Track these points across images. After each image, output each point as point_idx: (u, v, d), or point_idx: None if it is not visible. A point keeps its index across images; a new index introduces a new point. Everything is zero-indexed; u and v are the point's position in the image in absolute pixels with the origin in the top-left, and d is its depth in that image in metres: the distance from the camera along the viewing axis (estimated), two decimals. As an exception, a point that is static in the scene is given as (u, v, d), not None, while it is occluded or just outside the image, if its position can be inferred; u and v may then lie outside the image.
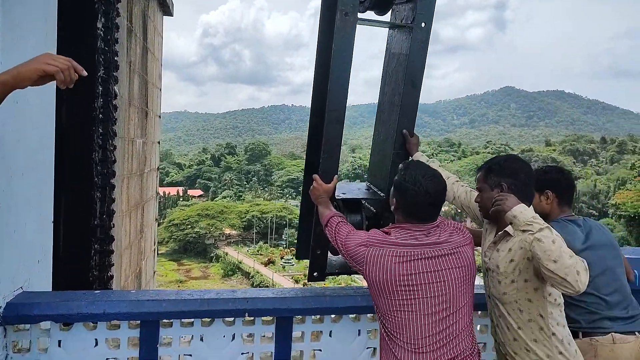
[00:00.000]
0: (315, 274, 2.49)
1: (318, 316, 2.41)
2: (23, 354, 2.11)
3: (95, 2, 3.61)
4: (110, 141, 3.82)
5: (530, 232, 1.68)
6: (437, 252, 1.80)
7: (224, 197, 76.87)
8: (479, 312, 2.50)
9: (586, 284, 1.62)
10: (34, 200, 2.47)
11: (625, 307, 2.14)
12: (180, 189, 76.44)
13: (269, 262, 47.33)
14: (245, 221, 57.50)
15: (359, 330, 2.42)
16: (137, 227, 5.45)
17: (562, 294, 1.84)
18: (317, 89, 2.52)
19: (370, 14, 2.52)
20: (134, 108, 5.53)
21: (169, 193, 68.86)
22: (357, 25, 2.26)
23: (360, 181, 3.03)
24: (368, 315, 2.41)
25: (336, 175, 2.30)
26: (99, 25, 3.71)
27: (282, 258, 47.98)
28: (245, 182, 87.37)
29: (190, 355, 2.25)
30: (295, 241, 2.93)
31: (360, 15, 2.31)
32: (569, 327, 1.96)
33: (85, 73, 1.45)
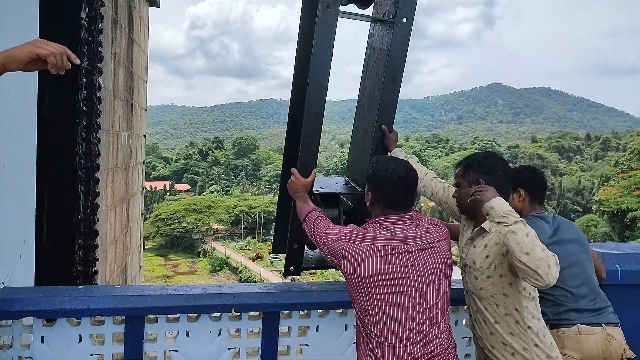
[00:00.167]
0: (291, 268, 2.49)
1: (305, 311, 2.41)
2: (5, 349, 2.08)
3: (79, -9, 3.53)
4: (94, 134, 3.75)
5: (505, 224, 1.73)
6: (413, 247, 1.82)
7: (212, 192, 76.34)
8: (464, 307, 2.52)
9: (556, 277, 1.67)
10: (16, 194, 2.42)
11: (592, 300, 2.20)
12: (167, 183, 75.80)
13: (257, 258, 47.26)
14: (233, 216, 57.27)
15: (346, 325, 2.43)
16: (123, 221, 5.38)
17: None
18: (297, 81, 2.50)
19: (352, 7, 2.50)
20: (119, 100, 5.45)
21: (156, 187, 68.19)
22: (340, 18, 2.24)
23: (339, 176, 3.03)
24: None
25: (315, 170, 2.30)
26: (83, 15, 3.63)
27: (270, 253, 47.85)
28: (233, 177, 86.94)
29: (176, 350, 2.23)
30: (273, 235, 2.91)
31: (342, 8, 2.29)
32: None
33: (78, 61, 1.42)
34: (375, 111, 2.50)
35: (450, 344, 1.84)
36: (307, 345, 2.41)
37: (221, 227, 58.01)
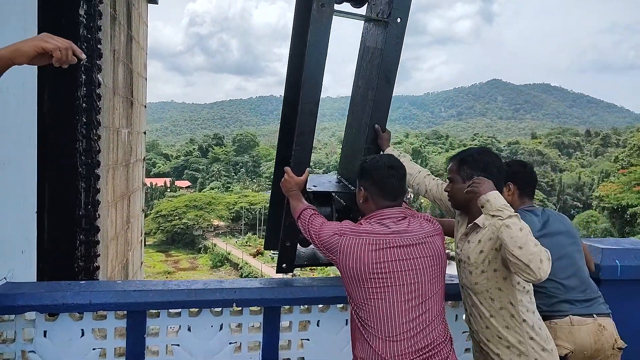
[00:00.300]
0: (284, 265, 2.50)
1: (306, 306, 2.42)
2: (8, 344, 2.09)
3: (77, -12, 3.53)
4: (94, 131, 3.76)
5: (499, 217, 1.74)
6: (407, 241, 1.84)
7: (212, 189, 76.34)
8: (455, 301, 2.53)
9: (548, 272, 1.68)
10: (17, 191, 2.43)
11: (583, 291, 2.23)
12: (168, 180, 75.72)
13: (258, 254, 47.25)
14: (233, 212, 57.29)
15: (346, 320, 2.44)
16: (124, 217, 5.39)
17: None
18: (290, 79, 2.49)
19: (346, 6, 2.50)
20: (119, 97, 5.45)
21: (156, 184, 68.16)
22: (335, 17, 2.24)
23: (328, 172, 3.03)
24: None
25: (308, 168, 2.31)
26: (81, 12, 3.63)
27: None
28: (233, 174, 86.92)
29: (178, 345, 2.25)
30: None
31: (336, 6, 2.29)
32: None
33: (84, 56, 1.44)
34: (368, 110, 2.51)
35: (446, 338, 1.86)
36: (308, 339, 2.42)
37: (222, 223, 58.03)
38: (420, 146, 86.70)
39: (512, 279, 1.92)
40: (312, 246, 2.67)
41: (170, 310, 2.23)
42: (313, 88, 2.25)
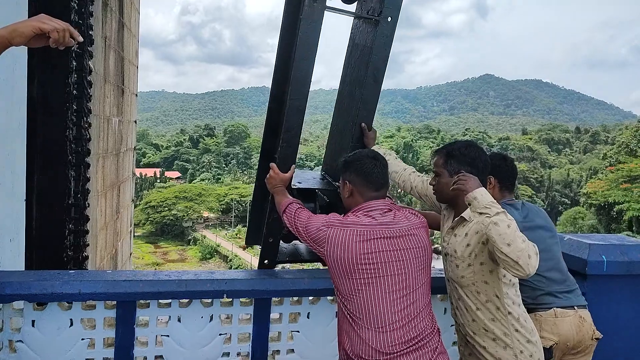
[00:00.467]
0: (265, 261, 2.50)
1: (296, 298, 2.43)
2: (-5, 333, 2.07)
3: (69, -27, 3.46)
4: (84, 118, 3.71)
5: (487, 215, 1.75)
6: (393, 233, 1.85)
7: (202, 180, 75.99)
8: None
9: (536, 267, 1.70)
10: (5, 178, 2.40)
11: (564, 282, 2.30)
12: (158, 170, 75.13)
13: (248, 246, 47.17)
14: (223, 204, 57.10)
15: (336, 312, 2.45)
16: (113, 207, 5.35)
17: None
18: (278, 73, 2.47)
19: (337, 2, 2.45)
20: (110, 85, 5.37)
21: (146, 174, 67.60)
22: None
23: (319, 165, 3.02)
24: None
25: (294, 165, 2.30)
26: (73, -4, 3.56)
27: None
28: (224, 165, 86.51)
29: (168, 335, 2.25)
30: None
31: (327, 2, 2.25)
32: None
33: (81, 39, 1.45)
34: (355, 108, 2.49)
35: (434, 329, 1.88)
36: (298, 331, 2.43)
37: (212, 215, 57.85)
38: (412, 140, 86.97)
39: (499, 272, 1.94)
40: (293, 242, 2.68)
41: (160, 300, 2.22)
42: (302, 85, 2.22)
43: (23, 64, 2.99)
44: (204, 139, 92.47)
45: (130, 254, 6.86)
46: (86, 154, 3.60)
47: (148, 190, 61.20)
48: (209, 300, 2.29)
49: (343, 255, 1.80)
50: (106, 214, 4.87)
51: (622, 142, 46.33)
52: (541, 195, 66.22)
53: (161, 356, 2.25)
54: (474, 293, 1.98)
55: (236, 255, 44.14)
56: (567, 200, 65.58)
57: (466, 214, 1.96)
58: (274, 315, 2.41)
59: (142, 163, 78.64)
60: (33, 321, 2.09)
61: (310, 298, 2.44)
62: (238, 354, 2.36)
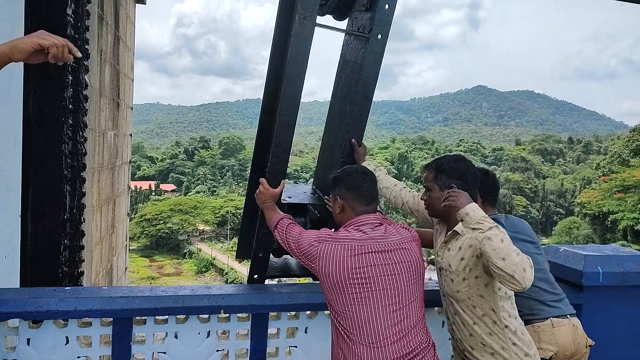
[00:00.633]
0: (255, 276, 2.49)
1: (294, 312, 2.42)
2: (-12, 352, 2.04)
3: (65, -13, 3.49)
4: (80, 133, 3.71)
5: (480, 230, 1.75)
6: (385, 247, 1.86)
7: (198, 192, 75.67)
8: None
9: (532, 280, 1.71)
10: (1, 193, 2.38)
11: (554, 293, 2.32)
12: (153, 183, 74.89)
13: (238, 260, 46.84)
14: (219, 217, 56.84)
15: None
16: (109, 222, 5.32)
17: None
18: (269, 88, 2.48)
19: (328, 19, 2.50)
20: (105, 99, 5.38)
21: (141, 187, 67.34)
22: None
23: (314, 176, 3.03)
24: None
25: (284, 180, 2.30)
26: (69, 11, 3.59)
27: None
28: (219, 177, 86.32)
29: (164, 352, 2.22)
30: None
31: (318, 19, 2.27)
32: None
33: (79, 54, 1.47)
34: (345, 125, 2.51)
35: (429, 344, 1.87)
36: (296, 346, 2.41)
37: (207, 227, 57.54)
38: (407, 151, 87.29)
39: (494, 286, 1.94)
40: (284, 257, 2.67)
41: (157, 317, 2.21)
42: (291, 100, 2.23)
43: (19, 78, 3.00)
44: (199, 151, 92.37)
45: (126, 269, 6.80)
46: (82, 168, 3.60)
47: (143, 204, 60.90)
48: (206, 316, 2.28)
49: (335, 270, 1.80)
50: (101, 228, 4.84)
51: (615, 152, 46.75)
52: (536, 205, 66.51)
53: (158, 373, 2.22)
54: (470, 307, 1.98)
55: (232, 269, 43.82)
56: (561, 210, 65.88)
57: (458, 227, 1.96)
58: (271, 330, 2.39)
59: (137, 176, 78.34)
60: (28, 339, 2.06)
61: (308, 313, 2.43)
62: (235, 370, 2.33)
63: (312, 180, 2.93)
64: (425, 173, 2.14)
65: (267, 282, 2.63)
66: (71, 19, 3.60)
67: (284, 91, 2.21)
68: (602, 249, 3.19)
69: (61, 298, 2.07)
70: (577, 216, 47.34)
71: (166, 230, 51.54)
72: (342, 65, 2.68)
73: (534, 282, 2.22)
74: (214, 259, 47.82)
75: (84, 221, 3.52)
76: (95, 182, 4.63)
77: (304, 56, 2.20)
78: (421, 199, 2.19)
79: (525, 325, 2.14)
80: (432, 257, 2.32)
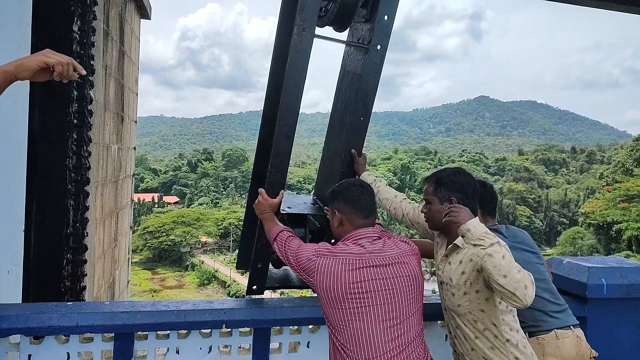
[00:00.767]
0: (254, 287, 2.47)
1: (296, 327, 2.41)
2: (-10, 369, 2.04)
3: (71, 5, 3.55)
4: (84, 147, 3.74)
5: (482, 247, 1.73)
6: (383, 261, 1.85)
7: (201, 204, 75.79)
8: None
9: (533, 297, 1.69)
10: (4, 208, 2.40)
11: (557, 304, 2.31)
12: (156, 195, 75.06)
13: (239, 271, 46.62)
14: (221, 229, 56.80)
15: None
16: (111, 235, 5.33)
17: None
18: (269, 99, 2.49)
19: (329, 30, 2.52)
20: (110, 113, 5.44)
21: (144, 199, 67.51)
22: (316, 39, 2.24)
23: (307, 194, 3.03)
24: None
25: (282, 190, 2.30)
26: (75, 28, 3.64)
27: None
28: (222, 189, 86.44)
29: (166, 367, 2.21)
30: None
31: (318, 30, 2.30)
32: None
33: (84, 72, 1.51)
34: (345, 135, 2.52)
35: (427, 359, 1.86)
36: (298, 361, 2.40)
37: (210, 240, 57.48)
38: (409, 162, 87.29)
39: (495, 300, 1.93)
40: (284, 268, 2.66)
41: (158, 332, 2.20)
42: (290, 111, 2.24)
43: (25, 93, 3.04)
44: (202, 163, 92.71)
45: (128, 282, 6.79)
46: (86, 182, 3.62)
47: (146, 216, 60.97)
48: (208, 331, 2.27)
49: (333, 284, 1.79)
50: (104, 242, 4.85)
51: (618, 161, 46.65)
52: (539, 215, 66.15)
53: (159, 389, 2.21)
54: (472, 322, 1.97)
55: (234, 281, 43.63)
56: (565, 220, 65.50)
57: (459, 241, 1.96)
58: (273, 345, 2.38)
59: (140, 188, 78.56)
60: (29, 355, 2.06)
61: (310, 327, 2.42)
62: (237, 386, 2.32)
63: (314, 191, 2.93)
64: (425, 186, 2.14)
65: (266, 293, 2.61)
66: (77, 36, 3.66)
67: (283, 101, 2.22)
68: (606, 260, 3.17)
69: (63, 313, 2.07)
70: (581, 226, 47.06)
71: (169, 243, 51.52)
72: (343, 76, 2.70)
73: (537, 292, 2.23)
74: (216, 271, 47.69)
75: (87, 235, 3.53)
76: (99, 195, 4.66)
77: (303, 67, 2.22)
78: (421, 212, 2.18)
79: (529, 337, 2.13)
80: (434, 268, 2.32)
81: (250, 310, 2.31)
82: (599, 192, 47.14)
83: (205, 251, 56.15)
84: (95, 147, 4.47)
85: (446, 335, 2.58)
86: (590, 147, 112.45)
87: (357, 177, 2.55)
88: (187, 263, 51.75)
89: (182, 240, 52.35)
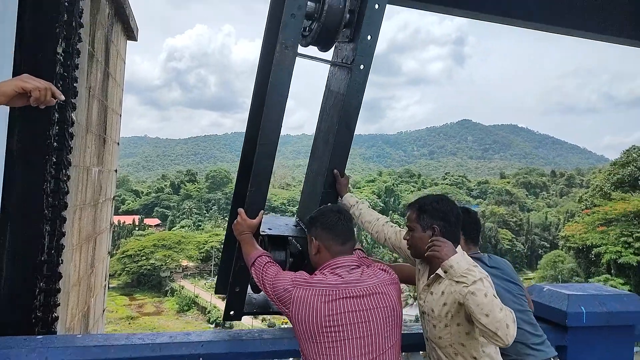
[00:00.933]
0: (232, 312, 2.40)
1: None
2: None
3: (56, 27, 3.53)
4: (64, 171, 3.66)
5: (464, 284, 1.70)
6: (360, 292, 1.81)
7: (183, 227, 74.66)
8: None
9: (514, 336, 1.68)
10: (-25, 237, 2.31)
11: (537, 335, 2.31)
12: (137, 217, 73.69)
13: (218, 295, 45.68)
14: (203, 252, 55.87)
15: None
16: (88, 261, 5.18)
17: None
18: (252, 118, 2.48)
19: (313, 49, 2.53)
20: (92, 135, 5.36)
21: (124, 222, 66.13)
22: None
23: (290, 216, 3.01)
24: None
25: (262, 211, 2.26)
26: (59, 50, 3.61)
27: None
28: (205, 211, 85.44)
29: (140, 404, 2.12)
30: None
31: (302, 49, 2.32)
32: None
33: (62, 97, 1.49)
34: (328, 155, 2.50)
35: None
36: (278, 394, 2.33)
37: (191, 263, 56.46)
38: (393, 184, 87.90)
39: (475, 333, 1.91)
40: (263, 292, 2.61)
41: (133, 366, 2.12)
42: (272, 130, 2.22)
43: (4, 114, 2.99)
44: (185, 185, 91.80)
45: (104, 310, 6.58)
46: (63, 207, 3.53)
47: (126, 239, 59.71)
48: (185, 365, 2.19)
49: (308, 317, 1.75)
50: (80, 269, 4.71)
51: (597, 185, 47.75)
52: (521, 238, 66.94)
53: None
54: (452, 354, 1.95)
55: (215, 307, 42.68)
56: (546, 243, 66.38)
57: (441, 271, 1.94)
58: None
59: (121, 210, 77.20)
60: (-6, 393, 1.96)
61: (292, 359, 2.36)
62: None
63: (297, 213, 2.90)
64: (408, 212, 2.13)
65: (244, 319, 2.54)
66: (61, 58, 3.62)
67: (265, 119, 2.20)
68: (585, 287, 3.20)
69: (32, 348, 1.98)
70: (562, 249, 47.71)
71: (148, 267, 50.36)
72: (327, 96, 2.70)
73: (519, 324, 2.23)
74: (196, 296, 46.69)
75: (62, 262, 3.42)
76: (77, 220, 4.54)
77: (285, 85, 2.21)
78: (404, 239, 2.17)
79: None
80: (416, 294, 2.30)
81: (228, 343, 2.24)
82: (579, 216, 48.03)
83: (185, 276, 55.06)
84: (75, 170, 4.38)
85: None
86: (569, 170, 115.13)
87: (339, 198, 2.54)
88: (167, 288, 50.57)
89: (162, 265, 51.25)
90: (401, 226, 2.42)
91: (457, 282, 1.74)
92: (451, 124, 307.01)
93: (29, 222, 3.22)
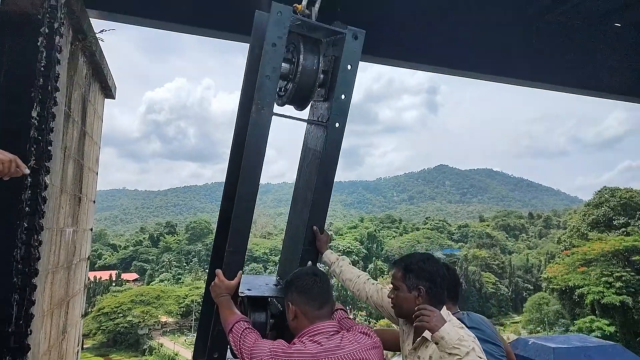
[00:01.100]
0: None
1: None
2: None
3: (31, 91, 3.54)
4: (35, 236, 3.55)
5: (458, 356, 1.68)
6: (342, 359, 1.76)
7: (162, 281, 72.18)
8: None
9: None
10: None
11: None
12: (114, 272, 71.11)
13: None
14: (183, 307, 53.83)
15: None
16: (60, 327, 4.92)
17: None
18: (230, 174, 2.48)
19: (289, 108, 2.59)
20: (67, 195, 5.26)
21: (101, 278, 63.66)
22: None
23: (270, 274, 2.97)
24: None
25: (240, 271, 2.22)
26: (34, 114, 3.61)
27: None
28: (185, 264, 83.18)
29: None
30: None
31: (279, 109, 2.36)
32: None
33: (27, 171, 1.48)
34: (307, 212, 2.51)
35: None
36: None
37: (170, 319, 54.17)
38: (375, 230, 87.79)
39: None
40: None
41: None
42: (249, 187, 2.22)
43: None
44: (164, 237, 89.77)
45: (75, 379, 6.18)
46: (34, 274, 3.39)
47: (102, 295, 57.27)
48: None
49: None
50: (51, 336, 4.47)
51: (573, 226, 48.65)
52: (504, 281, 66.89)
53: None
54: None
55: (196, 364, 40.61)
56: (529, 285, 66.43)
57: (427, 334, 1.90)
58: None
59: (97, 265, 74.50)
60: None
61: None
62: None
63: (277, 270, 2.85)
64: (393, 270, 2.10)
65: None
66: (35, 122, 3.61)
67: (242, 177, 2.21)
68: (570, 339, 3.19)
69: None
70: (545, 291, 47.73)
71: (125, 325, 48.08)
72: (304, 153, 2.73)
73: None
74: (176, 354, 44.48)
75: (30, 333, 3.24)
76: (48, 284, 4.36)
77: (261, 145, 2.23)
78: (388, 297, 2.13)
79: None
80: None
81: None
82: (559, 257, 48.52)
83: (165, 332, 52.64)
84: (48, 233, 4.25)
85: None
86: (546, 212, 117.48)
87: (319, 254, 2.51)
88: (145, 347, 48.08)
89: (140, 321, 49.01)
90: (384, 278, 2.40)
91: (449, 354, 1.70)
92: (428, 169, 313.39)
93: (-3, 292, 3.07)
